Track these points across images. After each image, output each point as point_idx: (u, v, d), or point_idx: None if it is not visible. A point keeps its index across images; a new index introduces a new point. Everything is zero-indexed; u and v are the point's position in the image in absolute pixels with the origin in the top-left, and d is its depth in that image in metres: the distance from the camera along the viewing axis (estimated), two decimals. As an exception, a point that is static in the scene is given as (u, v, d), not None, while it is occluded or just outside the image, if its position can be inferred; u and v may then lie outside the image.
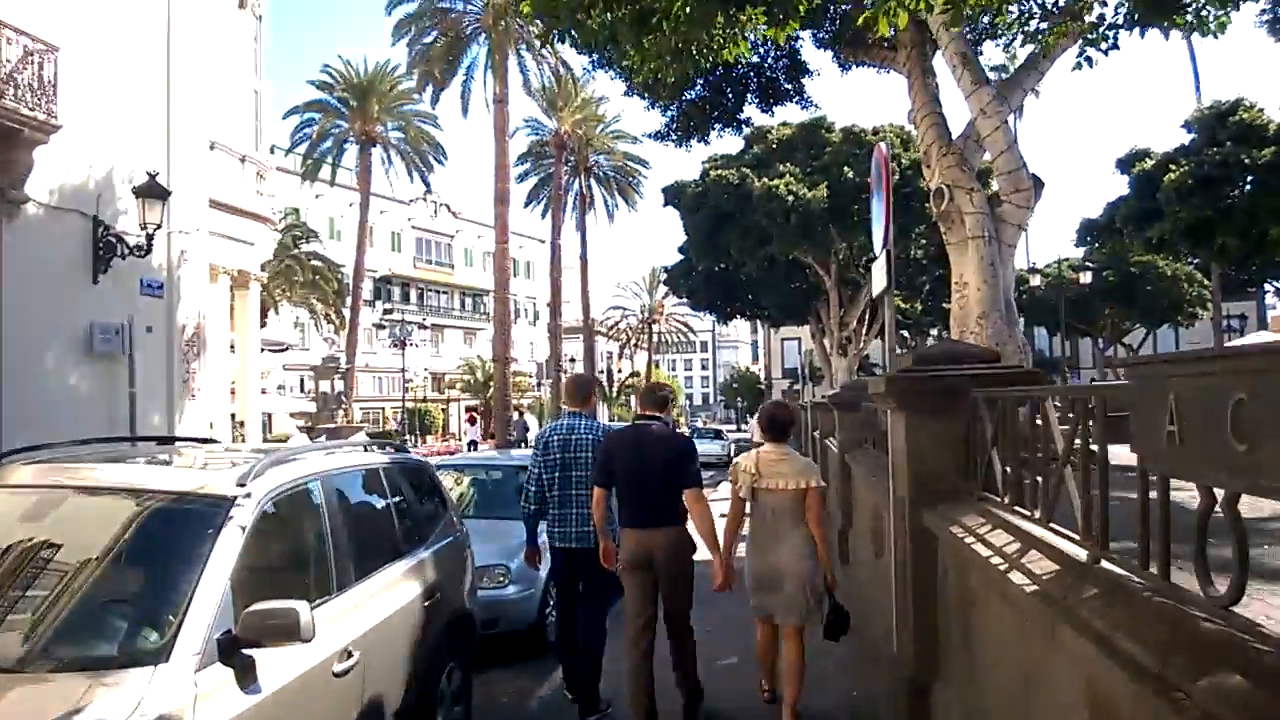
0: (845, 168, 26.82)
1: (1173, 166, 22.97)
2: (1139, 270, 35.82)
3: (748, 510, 5.20)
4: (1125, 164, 26.42)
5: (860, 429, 8.89)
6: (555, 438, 5.57)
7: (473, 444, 32.92)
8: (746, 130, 15.83)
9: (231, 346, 16.29)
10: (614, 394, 59.15)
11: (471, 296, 63.89)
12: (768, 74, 14.98)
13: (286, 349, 21.37)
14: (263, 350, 22.06)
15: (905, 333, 43.39)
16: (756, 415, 6.13)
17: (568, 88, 38.46)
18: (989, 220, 10.44)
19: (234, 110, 15.36)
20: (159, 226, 11.66)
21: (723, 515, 5.26)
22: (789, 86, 15.25)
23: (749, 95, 15.13)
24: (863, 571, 7.95)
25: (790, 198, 26.19)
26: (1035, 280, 37.54)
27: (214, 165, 14.83)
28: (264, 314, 39.17)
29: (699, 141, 15.40)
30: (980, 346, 5.22)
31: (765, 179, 27.03)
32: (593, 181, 46.82)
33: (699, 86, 14.52)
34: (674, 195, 30.13)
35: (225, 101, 15.12)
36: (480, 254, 65.67)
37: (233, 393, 16.54)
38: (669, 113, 14.99)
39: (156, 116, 12.98)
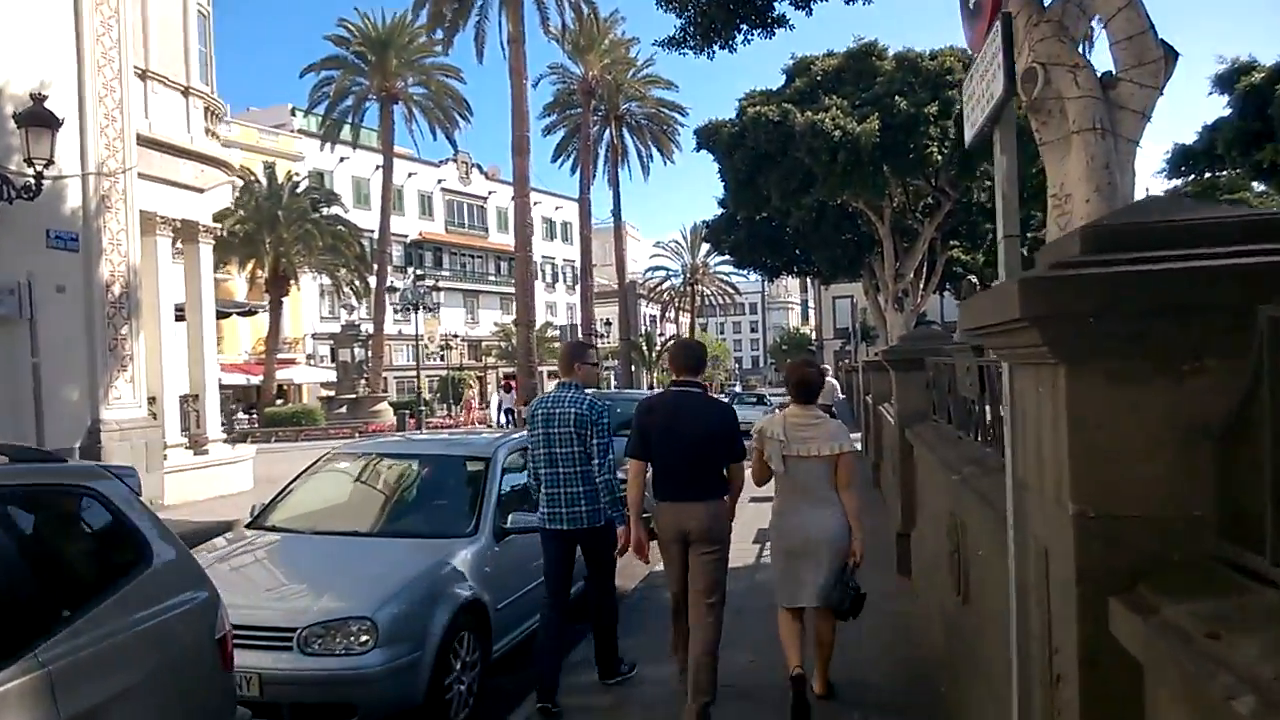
0: (899, 98, 23.82)
1: None
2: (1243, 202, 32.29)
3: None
4: (1225, 81, 22.94)
5: (925, 394, 6.51)
6: (540, 411, 5.19)
7: (510, 412, 31.06)
8: (781, 31, 13.01)
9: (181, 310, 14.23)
10: (654, 358, 56.58)
11: (507, 261, 61.36)
12: (803, -42, 12.28)
13: (252, 312, 19.24)
14: (229, 315, 20.02)
15: (958, 284, 40.41)
16: (785, 374, 5.45)
17: (593, 30, 35.73)
18: (1101, 107, 7.67)
19: (172, 34, 13.14)
20: (49, 162, 9.57)
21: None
22: (831, -26, 12.49)
23: (781, -13, 12.43)
24: (932, 605, 5.55)
25: (837, 133, 23.31)
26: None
27: (147, 97, 12.66)
28: (284, 283, 37.70)
29: (723, 48, 12.76)
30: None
31: (809, 113, 24.16)
32: (625, 131, 44.07)
33: (720, -20, 11.98)
34: (708, 136, 27.37)
35: (160, 23, 12.91)
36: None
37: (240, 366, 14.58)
38: (685, 13, 12.41)
39: (61, 33, 10.82)
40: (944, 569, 4.74)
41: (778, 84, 28.08)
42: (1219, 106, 23.00)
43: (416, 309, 28.00)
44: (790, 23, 13.44)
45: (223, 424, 16.21)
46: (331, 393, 35.06)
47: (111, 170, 11.43)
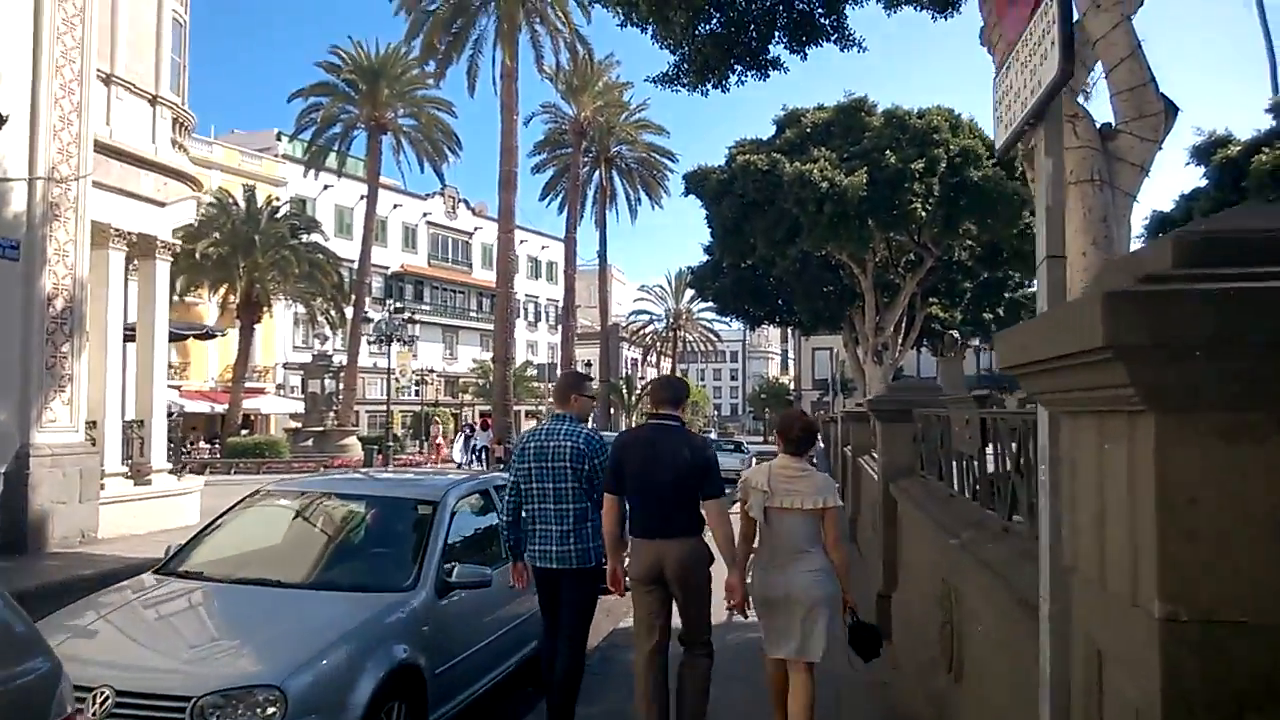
0: (887, 153, 23.78)
1: (1264, 150, 20.21)
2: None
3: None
4: (1202, 153, 23.27)
5: (913, 448, 6.07)
6: (533, 444, 5.00)
7: (484, 450, 30.42)
8: (775, 74, 12.76)
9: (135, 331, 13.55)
10: (633, 401, 56.05)
11: (489, 297, 60.94)
12: (799, 3, 12.09)
13: (210, 335, 18.52)
14: (187, 338, 19.35)
15: (935, 341, 40.28)
16: (778, 423, 5.04)
17: (586, 71, 35.73)
18: (1100, 158, 7.38)
19: (143, 40, 12.67)
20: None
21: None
22: (825, 21, 12.31)
23: (776, 30, 12.23)
24: (915, 676, 5.05)
25: (825, 184, 23.21)
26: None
27: (110, 103, 12.12)
28: (256, 309, 36.98)
29: (715, 87, 12.50)
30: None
31: (798, 164, 24.07)
32: (615, 174, 43.99)
33: (716, 20, 11.79)
34: (697, 182, 27.27)
35: (131, 27, 12.44)
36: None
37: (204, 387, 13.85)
38: (680, 50, 12.16)
39: (18, 27, 10.32)
40: (932, 639, 4.26)
41: (768, 134, 28.09)
42: (1196, 176, 23.19)
43: (390, 341, 27.40)
44: (784, 65, 13.22)
45: (171, 452, 15.42)
46: (299, 424, 34.16)
47: (63, 176, 10.84)
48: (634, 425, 55.52)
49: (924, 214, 23.58)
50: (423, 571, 4.65)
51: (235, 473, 27.92)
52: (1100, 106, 7.91)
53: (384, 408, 54.72)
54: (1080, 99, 8.18)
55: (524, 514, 4.99)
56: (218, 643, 3.96)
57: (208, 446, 34.28)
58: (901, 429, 6.28)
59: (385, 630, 4.17)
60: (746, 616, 4.67)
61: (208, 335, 18.61)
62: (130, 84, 12.46)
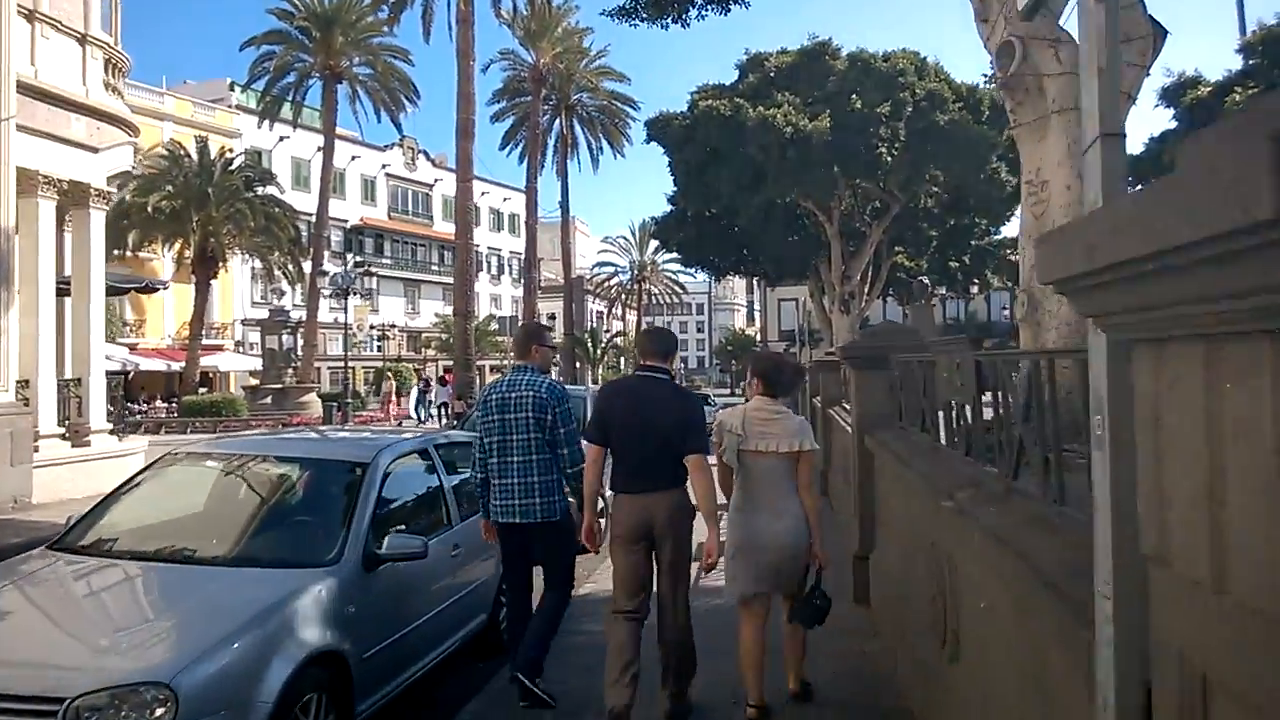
0: (853, 97, 23.23)
1: (1236, 90, 20.06)
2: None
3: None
4: (1171, 94, 23.05)
5: (890, 397, 5.68)
6: (495, 395, 4.92)
7: (444, 407, 29.83)
8: (738, 9, 12.12)
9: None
10: (599, 354, 55.52)
11: (451, 250, 59.88)
12: (762, -69, 11.48)
13: (152, 289, 17.52)
14: (127, 291, 18.49)
15: (900, 291, 40.11)
16: (750, 365, 5.09)
17: (545, 15, 34.58)
18: (1085, 86, 6.84)
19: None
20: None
21: None
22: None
23: (737, -39, 11.60)
24: (899, 644, 4.68)
25: (789, 129, 22.67)
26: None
27: (34, 41, 11.22)
28: (212, 264, 35.82)
29: (675, 21, 11.91)
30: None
31: (761, 108, 23.44)
32: (576, 122, 42.93)
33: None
34: (659, 129, 26.54)
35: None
36: (461, 205, 61.93)
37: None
38: (638, -20, 11.51)
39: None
40: (919, 609, 3.86)
41: (730, 79, 27.38)
42: (1165, 119, 22.93)
43: (347, 294, 26.59)
44: (748, 0, 12.58)
45: (113, 412, 14.67)
46: (257, 382, 33.27)
47: (-21, 119, 10.06)
48: (607, 377, 55.00)
49: (890, 159, 23.12)
50: (347, 543, 4.15)
51: (191, 432, 27.11)
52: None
53: (350, 364, 54.13)
54: (1064, 22, 7.69)
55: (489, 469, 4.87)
56: (102, 632, 3.45)
57: (165, 405, 33.31)
58: (877, 377, 5.90)
59: (302, 612, 3.66)
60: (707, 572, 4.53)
61: (150, 289, 17.78)
62: (56, 21, 11.56)
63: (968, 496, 2.88)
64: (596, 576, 7.52)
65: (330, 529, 4.30)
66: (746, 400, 4.94)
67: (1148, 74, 7.43)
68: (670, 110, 26.43)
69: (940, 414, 4.10)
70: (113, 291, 16.60)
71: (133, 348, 38.92)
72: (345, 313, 26.62)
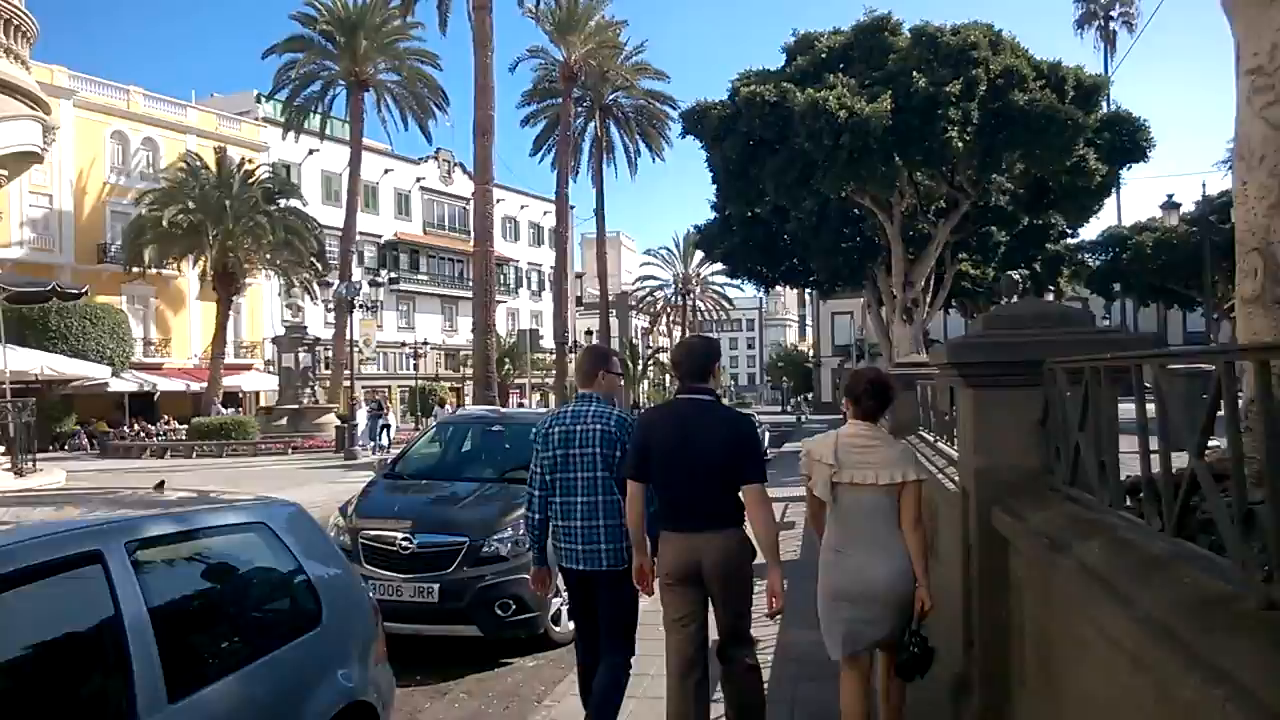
0: (916, 74, 20.46)
1: None
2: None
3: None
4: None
5: (1035, 437, 3.05)
6: (556, 429, 4.47)
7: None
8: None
9: None
10: (640, 369, 52.83)
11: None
12: None
13: (68, 295, 14.93)
14: (37, 299, 16.29)
15: (965, 301, 36.98)
16: (846, 384, 4.27)
17: (576, 9, 32.37)
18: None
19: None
20: None
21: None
22: None
23: None
24: None
25: (842, 113, 19.98)
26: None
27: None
28: (231, 280, 34.21)
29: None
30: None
31: (810, 90, 20.81)
32: (611, 124, 40.62)
33: None
34: (695, 121, 24.02)
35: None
36: (500, 218, 60.00)
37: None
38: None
39: None
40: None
41: (777, 64, 24.80)
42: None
43: (353, 309, 24.52)
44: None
45: (17, 442, 12.24)
46: (273, 403, 31.47)
47: None
48: (653, 397, 52.25)
49: (961, 145, 20.28)
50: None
51: (196, 456, 25.29)
52: None
53: (383, 382, 52.41)
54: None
55: (551, 509, 4.51)
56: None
57: (183, 428, 31.63)
58: (1015, 401, 3.27)
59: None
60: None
61: (62, 295, 15.39)
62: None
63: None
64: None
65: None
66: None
67: None
68: (708, 100, 23.87)
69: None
70: (19, 299, 14.53)
71: (158, 367, 37.64)
72: (351, 328, 24.52)
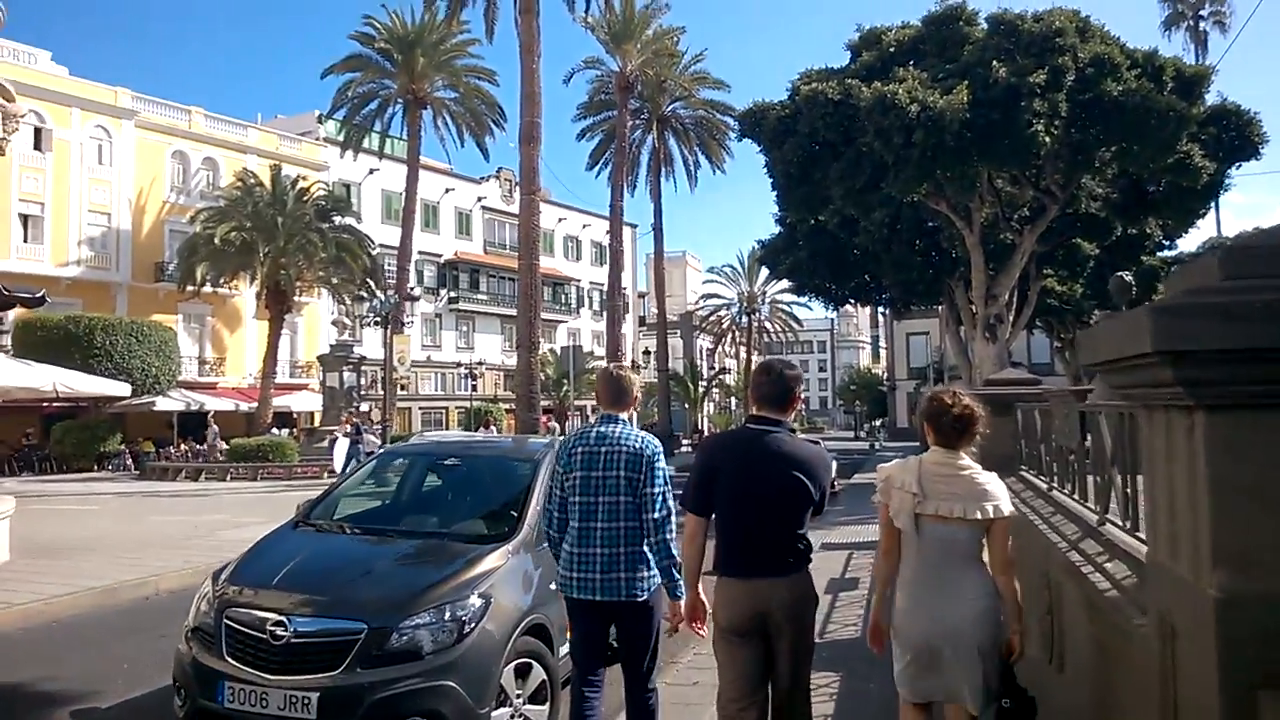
0: (995, 64, 18.50)
1: None
2: None
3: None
4: None
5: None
6: (580, 450, 4.23)
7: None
8: None
9: None
10: (699, 393, 50.87)
11: (551, 286, 57.18)
12: None
13: (39, 301, 13.95)
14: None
15: (1051, 320, 34.27)
16: (923, 409, 3.86)
17: (631, 17, 31.10)
18: None
19: None
20: None
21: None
22: None
23: None
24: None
25: (914, 107, 18.14)
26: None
27: None
28: (283, 297, 33.71)
29: None
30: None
31: (878, 84, 19.02)
32: (669, 135, 39.13)
33: None
34: (753, 122, 22.40)
35: None
36: (562, 238, 59.26)
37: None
38: None
39: None
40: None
41: (841, 60, 23.07)
42: None
43: (389, 325, 23.43)
44: None
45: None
46: (306, 424, 30.65)
47: None
48: (717, 421, 50.18)
49: (1048, 140, 18.21)
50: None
51: (231, 479, 24.41)
52: None
53: (442, 403, 51.65)
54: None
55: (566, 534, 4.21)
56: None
57: (226, 447, 30.98)
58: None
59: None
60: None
61: (35, 302, 14.34)
62: None
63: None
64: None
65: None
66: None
67: None
68: (767, 100, 22.23)
69: None
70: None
71: (212, 386, 37.36)
72: (388, 344, 23.39)
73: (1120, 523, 3.39)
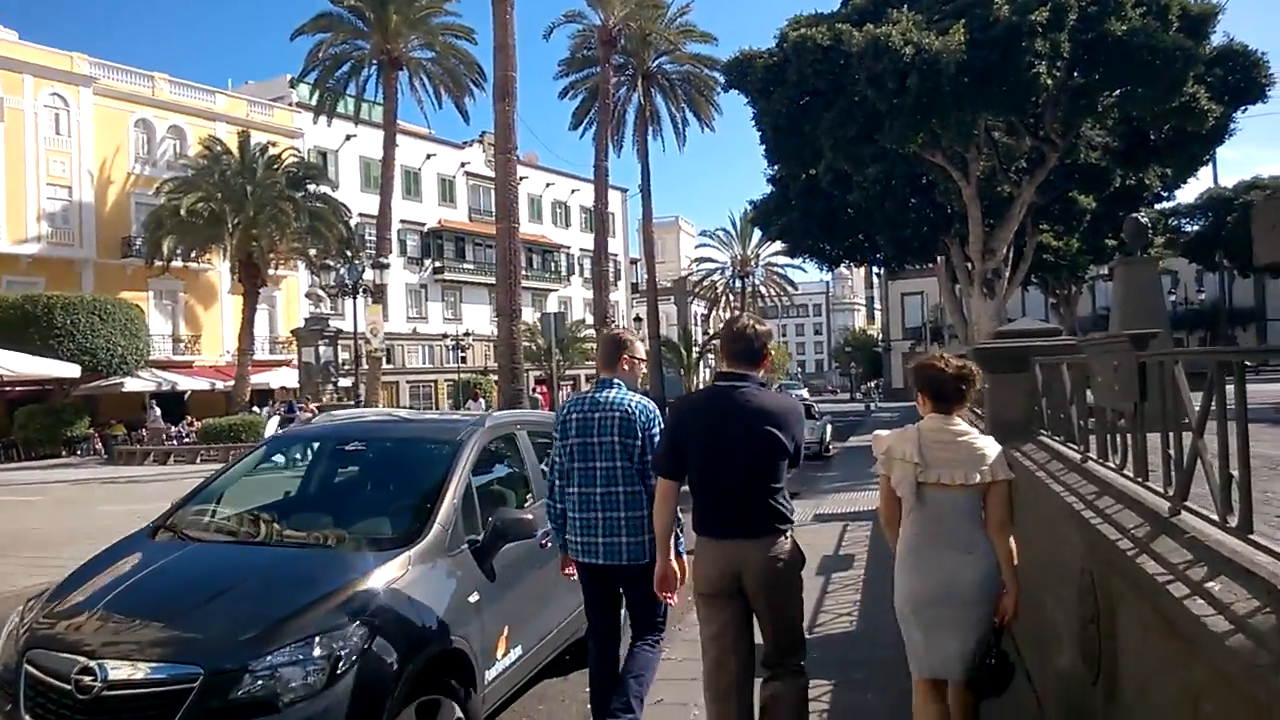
0: (996, 2, 17.29)
1: None
2: None
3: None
4: None
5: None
6: (575, 415, 4.22)
7: None
8: None
9: None
10: (693, 359, 49.79)
11: (540, 253, 55.94)
12: None
13: None
14: None
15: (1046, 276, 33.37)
16: (917, 376, 3.80)
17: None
18: None
19: None
20: None
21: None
22: None
23: None
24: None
25: (908, 49, 16.97)
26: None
27: None
28: (257, 272, 32.50)
29: None
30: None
31: (870, 25, 17.84)
32: (656, 93, 37.75)
33: None
34: (739, 72, 21.21)
35: None
36: (549, 204, 57.93)
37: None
38: None
39: None
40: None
41: (831, 7, 21.83)
42: None
43: (355, 294, 22.31)
44: None
45: None
46: (279, 399, 29.59)
47: None
48: (695, 389, 49.62)
49: (1050, 82, 17.08)
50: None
51: (201, 461, 23.45)
52: None
53: (430, 377, 50.58)
54: None
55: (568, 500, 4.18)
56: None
57: (193, 428, 29.96)
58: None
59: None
60: None
61: None
62: None
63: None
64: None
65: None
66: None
67: None
68: (753, 48, 21.01)
69: None
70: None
71: (188, 366, 36.25)
72: (355, 315, 22.30)
73: (1218, 519, 2.41)
